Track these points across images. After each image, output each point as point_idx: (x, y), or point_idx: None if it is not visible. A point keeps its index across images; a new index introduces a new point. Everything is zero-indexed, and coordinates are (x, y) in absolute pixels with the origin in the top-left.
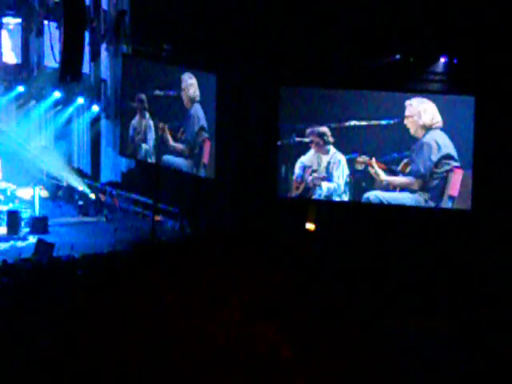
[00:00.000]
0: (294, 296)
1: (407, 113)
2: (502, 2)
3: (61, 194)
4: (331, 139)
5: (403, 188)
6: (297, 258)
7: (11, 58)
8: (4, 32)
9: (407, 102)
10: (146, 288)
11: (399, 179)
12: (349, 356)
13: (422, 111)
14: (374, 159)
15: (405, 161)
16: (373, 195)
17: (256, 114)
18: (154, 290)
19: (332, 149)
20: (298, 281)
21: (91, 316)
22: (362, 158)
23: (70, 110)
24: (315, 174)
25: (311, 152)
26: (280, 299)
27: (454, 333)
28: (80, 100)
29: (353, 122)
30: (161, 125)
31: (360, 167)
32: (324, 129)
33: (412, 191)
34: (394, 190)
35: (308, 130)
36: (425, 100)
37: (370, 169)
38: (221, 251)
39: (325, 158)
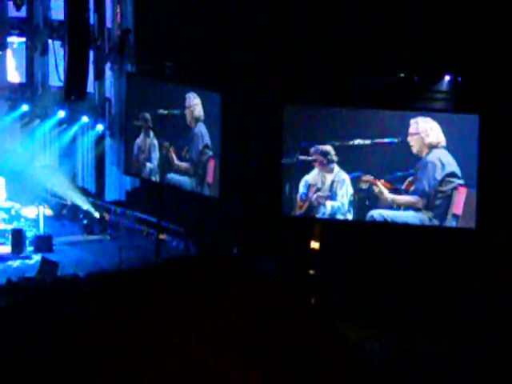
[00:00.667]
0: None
1: (412, 130)
2: (506, 21)
3: (65, 213)
4: (335, 158)
5: (407, 206)
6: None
7: (16, 77)
8: (9, 51)
9: (412, 121)
10: (149, 309)
11: (403, 198)
12: None
13: (429, 129)
14: (378, 178)
15: (409, 179)
16: (377, 213)
17: (260, 133)
18: (157, 311)
19: (336, 167)
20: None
21: (95, 335)
22: (367, 177)
23: (75, 128)
24: (319, 193)
25: (315, 171)
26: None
27: (458, 351)
28: (84, 119)
29: (357, 141)
30: (165, 144)
31: (364, 186)
32: (328, 147)
33: (416, 210)
34: (399, 209)
35: (312, 149)
36: (429, 119)
37: (374, 187)
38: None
39: (329, 177)
